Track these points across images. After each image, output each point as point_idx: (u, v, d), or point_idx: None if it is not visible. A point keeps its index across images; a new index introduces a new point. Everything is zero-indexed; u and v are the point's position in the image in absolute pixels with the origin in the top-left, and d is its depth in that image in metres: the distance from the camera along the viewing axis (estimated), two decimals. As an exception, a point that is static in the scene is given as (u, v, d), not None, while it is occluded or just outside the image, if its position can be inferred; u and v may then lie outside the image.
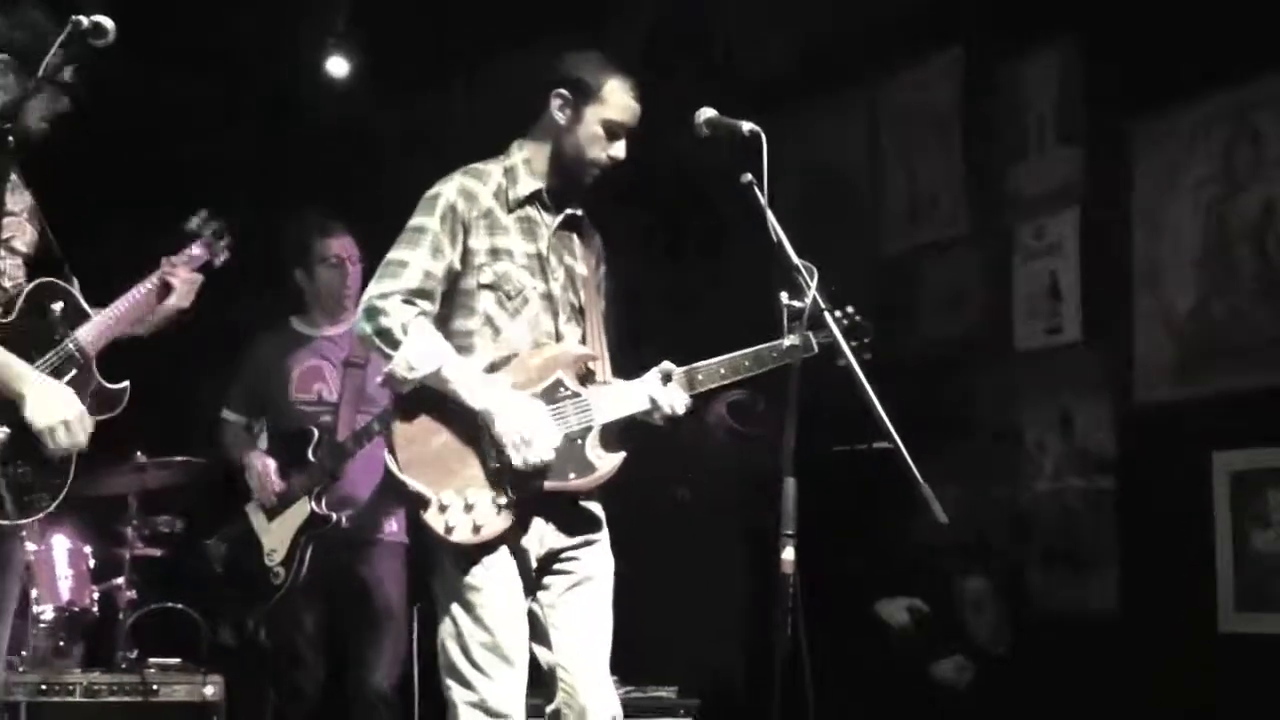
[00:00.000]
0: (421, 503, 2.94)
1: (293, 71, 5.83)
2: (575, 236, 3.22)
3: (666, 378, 3.07)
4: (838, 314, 3.01)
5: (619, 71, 3.12)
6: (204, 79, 5.70)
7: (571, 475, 3.00)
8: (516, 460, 2.91)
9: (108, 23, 2.65)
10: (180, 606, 4.85)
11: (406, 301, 2.97)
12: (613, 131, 3.11)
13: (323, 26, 5.79)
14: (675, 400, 3.05)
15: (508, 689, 2.94)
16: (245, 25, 5.55)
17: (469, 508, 2.93)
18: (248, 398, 4.60)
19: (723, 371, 3.08)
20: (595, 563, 3.11)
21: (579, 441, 3.01)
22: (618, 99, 3.10)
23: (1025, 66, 5.25)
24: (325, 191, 5.47)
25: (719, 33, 5.65)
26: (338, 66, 5.82)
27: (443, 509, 2.92)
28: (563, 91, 3.12)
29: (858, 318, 3.09)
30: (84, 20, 2.64)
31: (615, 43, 5.23)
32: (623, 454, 3.06)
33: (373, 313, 2.96)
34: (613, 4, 5.49)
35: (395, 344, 2.92)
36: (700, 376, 3.08)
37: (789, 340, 2.99)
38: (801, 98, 5.73)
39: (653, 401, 3.04)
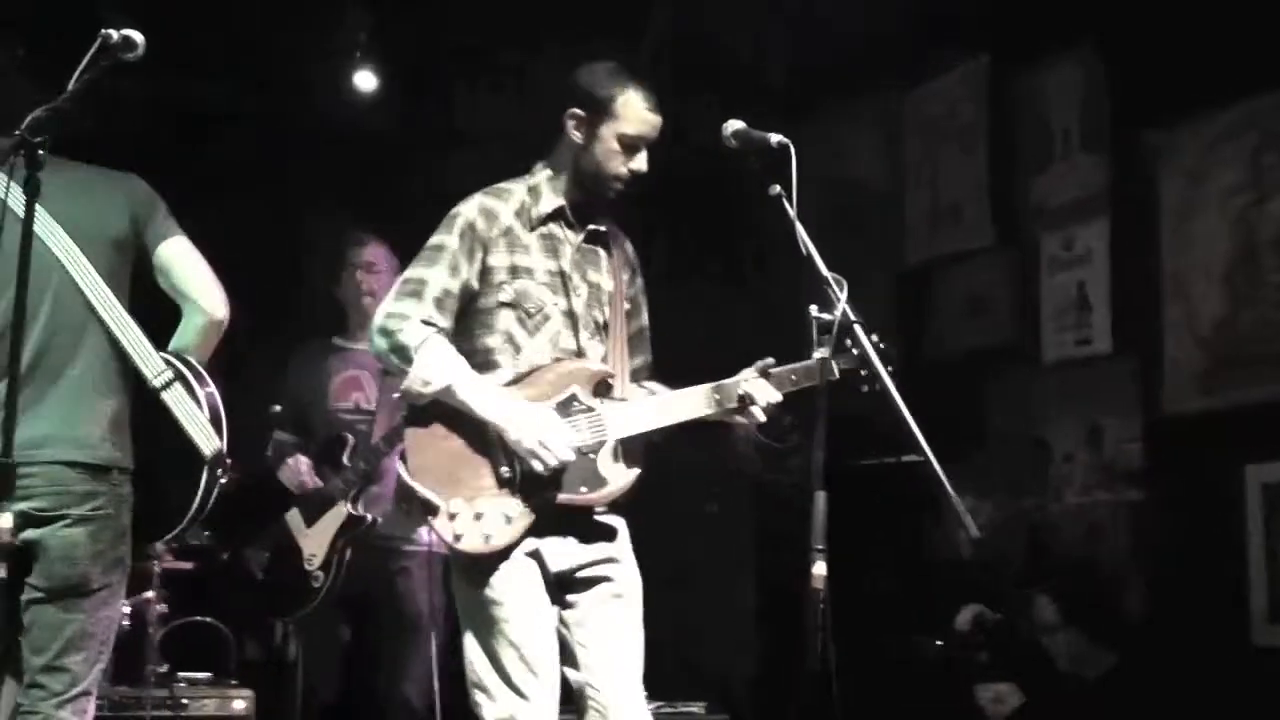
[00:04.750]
0: (430, 510, 2.94)
1: (321, 80, 5.86)
2: (600, 251, 3.21)
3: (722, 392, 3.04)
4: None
5: (634, 83, 3.08)
6: (231, 88, 5.72)
7: (583, 489, 2.98)
8: (536, 466, 2.91)
9: (137, 36, 2.64)
10: (210, 620, 4.86)
11: (424, 320, 2.98)
12: (631, 145, 3.08)
13: (349, 36, 5.81)
14: (696, 411, 3.03)
15: (537, 703, 2.92)
16: (271, 35, 5.57)
17: (478, 517, 2.92)
18: (295, 415, 4.62)
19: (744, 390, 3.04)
20: (622, 579, 3.08)
21: (591, 455, 3.00)
22: (632, 112, 3.07)
23: (1049, 76, 5.24)
24: (354, 200, 5.52)
25: (742, 42, 5.65)
26: (364, 80, 5.84)
27: (451, 517, 2.92)
28: (576, 111, 3.10)
29: (881, 345, 3.05)
30: (114, 34, 2.63)
31: (635, 51, 5.29)
32: (637, 470, 3.04)
33: (387, 330, 2.98)
34: (635, 12, 5.50)
35: (409, 360, 2.95)
36: (722, 394, 3.04)
37: (817, 353, 2.97)
38: (825, 108, 5.73)
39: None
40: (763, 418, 3.03)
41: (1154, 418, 4.78)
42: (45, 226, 3.02)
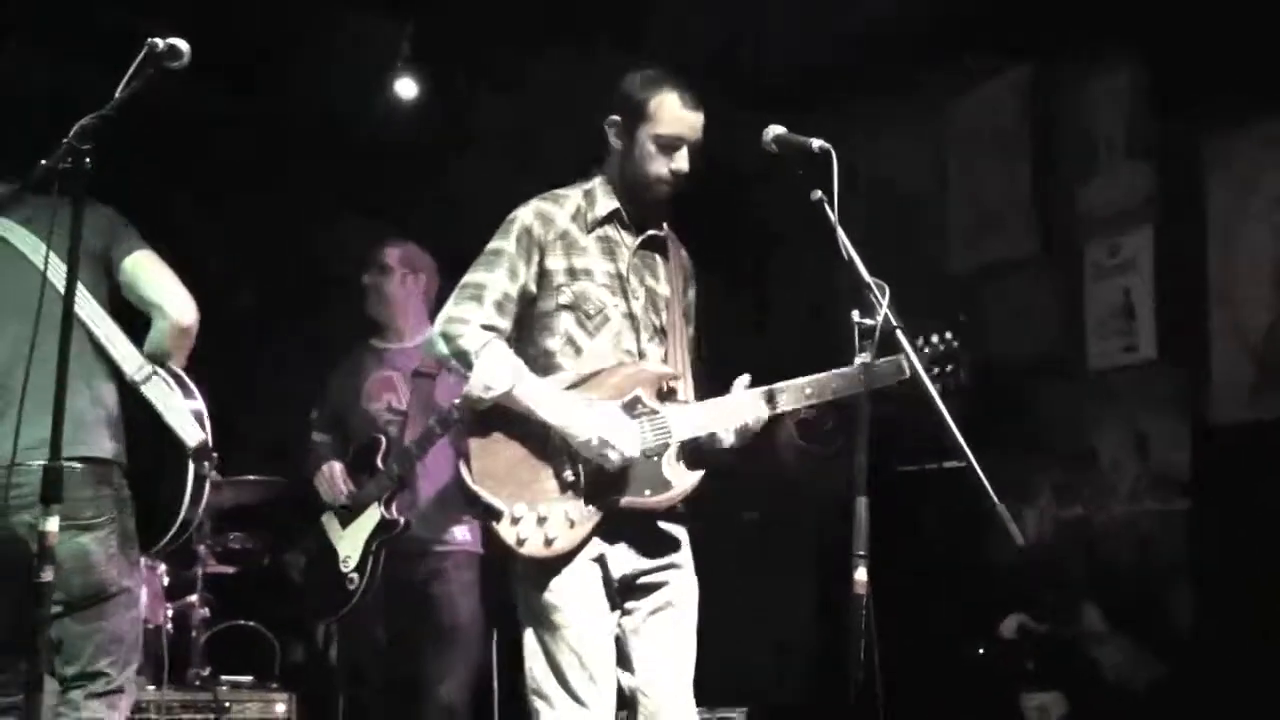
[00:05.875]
0: (493, 515, 2.95)
1: (355, 88, 5.89)
2: (657, 257, 3.22)
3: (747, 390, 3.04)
4: (934, 339, 3.00)
5: (669, 85, 3.09)
6: (259, 95, 5.75)
7: (647, 492, 2.99)
8: (601, 463, 2.93)
9: (183, 45, 2.65)
10: (253, 624, 4.89)
11: (483, 325, 3.01)
12: (668, 146, 3.08)
13: (387, 50, 5.84)
14: (756, 413, 3.02)
15: (596, 711, 2.92)
16: (305, 44, 5.62)
17: (541, 520, 2.93)
18: (333, 417, 4.66)
19: (808, 392, 3.04)
20: (680, 587, 3.09)
21: (655, 459, 3.00)
22: (667, 113, 3.08)
23: (1094, 82, 5.20)
24: (388, 204, 5.54)
25: (785, 47, 5.63)
26: (405, 88, 5.88)
27: (515, 521, 2.93)
28: (614, 118, 3.13)
29: (955, 343, 3.05)
30: (159, 43, 2.65)
31: (669, 57, 5.27)
32: (700, 473, 3.04)
33: (449, 335, 3.01)
34: (673, 23, 5.50)
35: (470, 366, 2.97)
36: (783, 397, 3.04)
37: (859, 359, 2.95)
38: (869, 115, 5.70)
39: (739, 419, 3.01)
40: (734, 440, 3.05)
41: (1201, 426, 4.74)
42: (26, 241, 3.09)
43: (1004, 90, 5.58)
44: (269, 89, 5.72)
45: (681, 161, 3.10)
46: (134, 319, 3.26)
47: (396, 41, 5.78)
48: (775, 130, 2.96)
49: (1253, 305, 4.61)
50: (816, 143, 2.87)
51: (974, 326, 5.33)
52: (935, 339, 3.07)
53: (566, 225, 3.11)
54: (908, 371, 2.89)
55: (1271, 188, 4.59)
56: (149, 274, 3.24)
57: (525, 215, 3.10)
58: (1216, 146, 4.75)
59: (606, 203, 3.15)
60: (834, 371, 3.02)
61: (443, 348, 3.01)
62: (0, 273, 3.10)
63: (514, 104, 5.71)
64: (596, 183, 3.18)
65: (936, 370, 3.02)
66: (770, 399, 3.03)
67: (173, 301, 3.21)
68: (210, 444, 3.14)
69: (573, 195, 3.16)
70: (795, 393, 3.03)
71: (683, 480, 3.02)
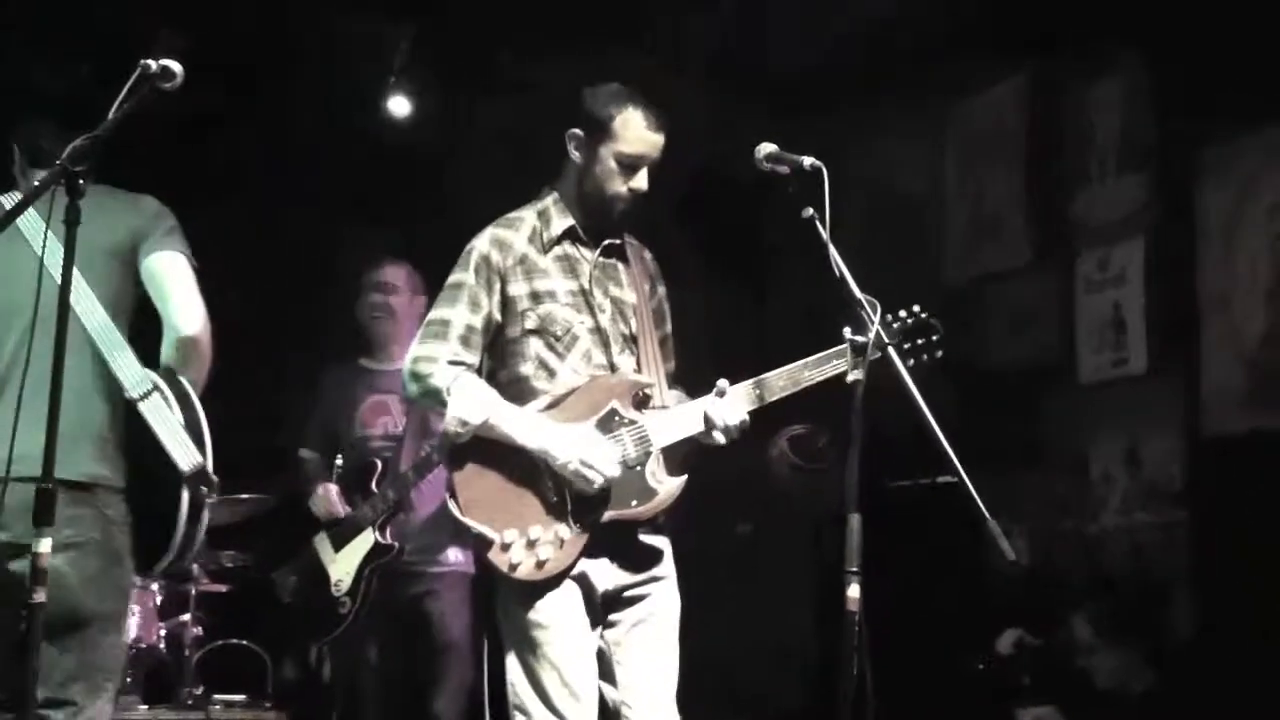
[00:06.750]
0: (484, 543, 2.97)
1: (354, 95, 5.88)
2: (619, 265, 3.23)
3: (720, 393, 3.05)
4: (902, 313, 3.04)
5: (634, 102, 3.08)
6: (259, 100, 5.75)
7: (633, 503, 3.01)
8: (582, 486, 2.93)
9: (176, 66, 2.65)
10: (245, 643, 4.87)
11: (450, 360, 3.03)
12: (630, 165, 3.09)
13: (387, 55, 5.85)
14: (730, 415, 3.03)
15: None
16: (303, 53, 5.61)
17: (531, 544, 2.95)
18: (322, 435, 4.65)
19: (782, 384, 3.06)
20: (662, 600, 3.11)
21: (638, 468, 3.02)
22: (631, 132, 3.07)
23: (1092, 90, 5.21)
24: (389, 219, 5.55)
25: (781, 52, 5.63)
26: (401, 99, 5.89)
27: (505, 548, 2.95)
28: (576, 132, 3.12)
29: (924, 315, 3.06)
30: (152, 64, 2.65)
31: (671, 62, 5.28)
32: (684, 478, 3.06)
33: (417, 375, 3.04)
34: (674, 26, 5.51)
35: (443, 403, 3.00)
36: (763, 390, 3.05)
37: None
38: (866, 122, 5.71)
39: (707, 418, 3.02)
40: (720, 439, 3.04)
41: (1194, 438, 4.73)
42: (40, 240, 2.86)
43: (1003, 96, 5.59)
44: (268, 93, 5.72)
45: (641, 181, 3.11)
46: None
47: (395, 46, 5.79)
48: (767, 148, 2.95)
49: (1246, 316, 4.61)
50: (809, 160, 2.87)
51: (969, 334, 5.39)
52: (904, 313, 3.08)
53: (524, 249, 3.12)
54: (884, 348, 2.80)
55: (1266, 199, 4.59)
56: (162, 279, 3.05)
57: (482, 244, 3.11)
58: (1215, 153, 4.75)
59: (561, 221, 3.15)
60: (802, 361, 3.05)
61: (414, 388, 3.05)
62: (16, 275, 2.93)
63: (514, 111, 5.71)
64: (549, 201, 3.19)
65: (909, 345, 3.04)
66: (746, 394, 3.04)
67: (177, 311, 3.01)
68: (208, 467, 2.89)
69: (527, 217, 3.17)
70: (769, 386, 3.05)
71: (666, 487, 3.03)
